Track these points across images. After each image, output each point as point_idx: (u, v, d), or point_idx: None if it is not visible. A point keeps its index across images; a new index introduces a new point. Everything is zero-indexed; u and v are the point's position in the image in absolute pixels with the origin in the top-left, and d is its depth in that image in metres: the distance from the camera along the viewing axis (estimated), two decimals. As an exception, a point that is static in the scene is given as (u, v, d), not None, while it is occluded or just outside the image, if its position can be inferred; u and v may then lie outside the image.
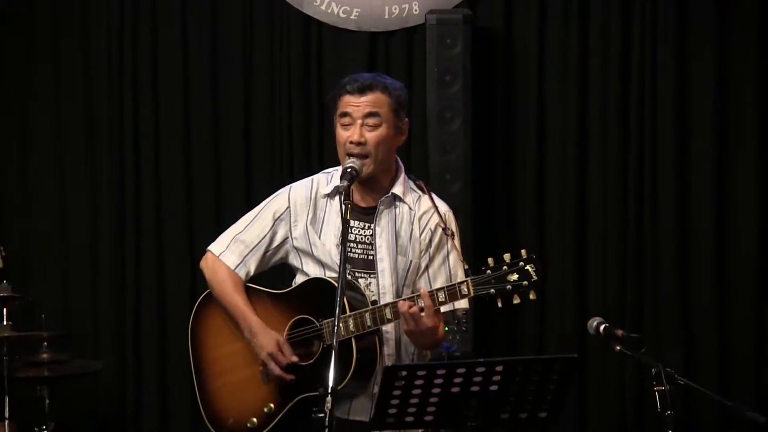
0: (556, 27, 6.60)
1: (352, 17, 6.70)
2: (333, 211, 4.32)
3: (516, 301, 3.98)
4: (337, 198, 4.25)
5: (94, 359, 6.50)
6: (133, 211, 6.88)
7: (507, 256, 3.98)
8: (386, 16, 6.69)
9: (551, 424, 3.88)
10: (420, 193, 4.35)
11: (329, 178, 4.38)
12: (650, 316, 6.46)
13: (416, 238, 4.29)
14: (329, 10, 6.71)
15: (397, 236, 4.28)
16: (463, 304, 4.20)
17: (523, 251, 3.98)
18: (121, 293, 6.88)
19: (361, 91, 4.23)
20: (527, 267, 3.96)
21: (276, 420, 4.27)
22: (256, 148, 6.85)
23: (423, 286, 4.26)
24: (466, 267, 4.13)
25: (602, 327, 4.38)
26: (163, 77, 6.90)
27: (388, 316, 4.10)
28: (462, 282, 4.03)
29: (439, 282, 4.27)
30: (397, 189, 4.30)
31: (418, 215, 4.30)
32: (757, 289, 6.39)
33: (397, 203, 4.30)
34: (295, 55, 6.77)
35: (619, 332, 4.33)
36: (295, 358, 4.23)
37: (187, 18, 6.88)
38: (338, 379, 3.98)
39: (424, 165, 6.43)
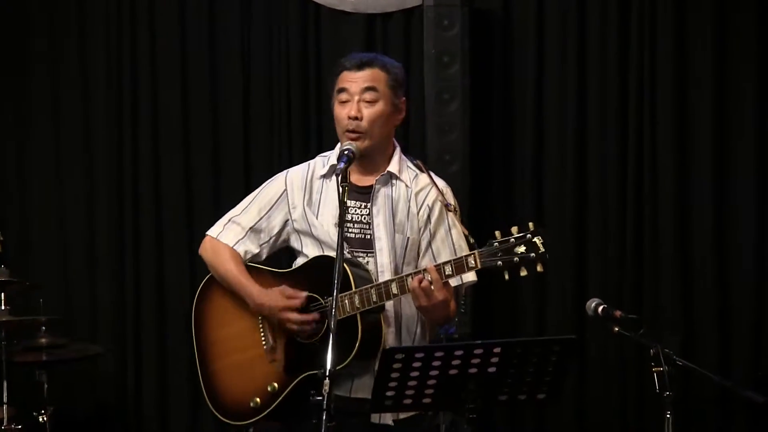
0: (554, 8, 6.58)
1: (350, -1, 6.70)
2: (330, 190, 4.32)
3: (523, 273, 3.97)
4: (333, 178, 4.29)
5: (92, 343, 6.49)
6: (132, 195, 6.87)
7: (515, 229, 3.99)
8: (384, -2, 6.69)
9: (550, 405, 3.89)
10: (417, 171, 4.35)
11: (325, 161, 4.38)
12: (649, 298, 6.46)
13: (414, 215, 4.29)
14: (326, -8, 6.71)
15: (394, 214, 4.27)
16: (471, 277, 4.21)
17: (530, 224, 3.98)
18: (119, 277, 6.87)
19: (359, 66, 4.25)
20: (534, 239, 3.96)
21: (279, 399, 4.26)
22: (255, 129, 6.84)
23: (428, 262, 4.26)
24: (472, 241, 4.13)
25: (601, 308, 4.38)
26: (160, 61, 6.88)
27: (394, 291, 4.09)
28: (469, 254, 4.03)
29: (444, 257, 4.26)
30: (393, 167, 4.30)
31: (414, 191, 4.30)
32: (756, 272, 6.38)
33: (394, 181, 4.30)
34: (293, 37, 6.76)
35: (618, 313, 4.33)
36: (304, 294, 4.22)
37: (185, 3, 6.87)
38: (342, 358, 4.00)
39: (422, 146, 6.42)
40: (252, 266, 4.41)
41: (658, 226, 6.45)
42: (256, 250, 4.42)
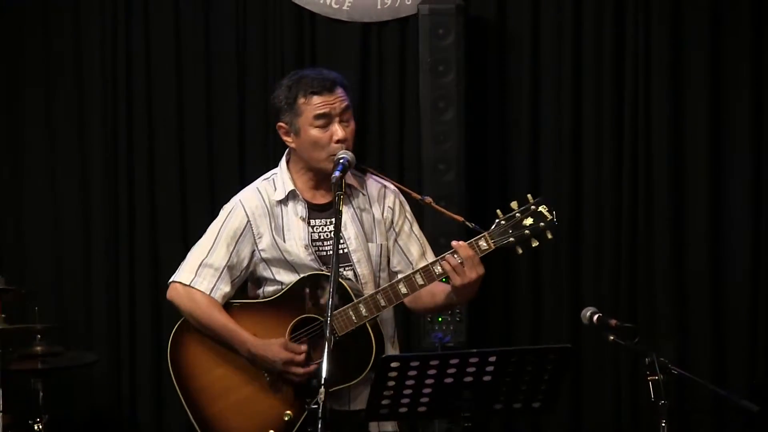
0: (549, 16, 6.59)
1: (345, 8, 6.70)
2: (290, 214, 4.26)
3: (535, 244, 3.98)
4: (290, 203, 4.25)
5: (87, 351, 6.49)
6: (127, 202, 6.87)
7: (514, 204, 4.00)
8: (378, 7, 6.68)
9: (545, 414, 3.88)
10: (361, 175, 4.33)
11: (274, 184, 4.32)
12: (644, 306, 6.46)
13: (379, 220, 4.28)
14: (322, 1, 6.70)
15: (362, 224, 4.26)
16: None
17: (529, 196, 4.00)
18: (114, 284, 6.87)
19: (330, 89, 4.18)
20: (540, 209, 3.97)
21: (298, 425, 4.18)
22: (250, 138, 6.84)
23: (398, 260, 4.28)
24: (472, 225, 4.09)
25: (596, 317, 4.38)
26: (156, 68, 6.89)
27: (404, 290, 4.07)
28: (479, 237, 4.01)
29: (414, 250, 4.28)
30: (347, 179, 4.24)
31: (374, 197, 4.30)
32: (751, 279, 6.39)
33: (349, 191, 4.27)
34: (288, 46, 6.76)
35: (613, 322, 4.33)
36: (304, 347, 4.16)
37: (180, 8, 6.87)
38: (357, 372, 4.05)
39: (418, 155, 6.43)
40: (235, 303, 4.31)
41: (654, 235, 6.46)
42: (230, 291, 4.31)
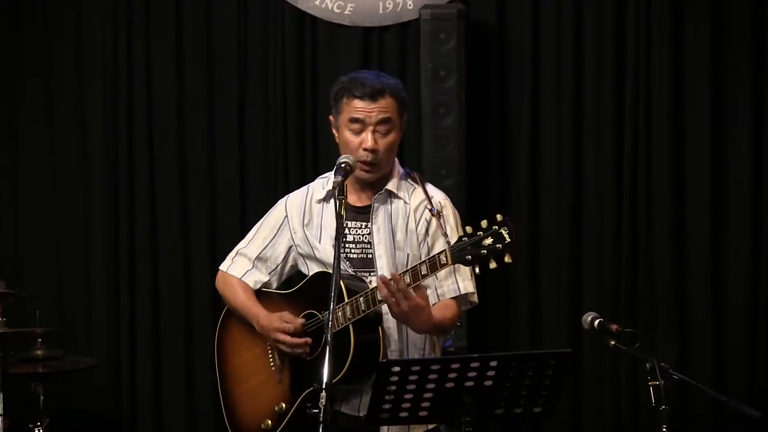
0: (550, 21, 6.59)
1: (346, 12, 6.70)
2: (328, 214, 4.33)
3: (492, 265, 3.92)
4: (331, 201, 4.29)
5: (88, 355, 6.48)
6: (127, 207, 6.87)
7: (484, 223, 3.96)
8: (380, 11, 6.68)
9: (546, 419, 3.88)
10: (415, 185, 4.36)
11: (325, 183, 4.41)
12: (645, 311, 6.46)
13: (412, 231, 4.29)
14: (323, 6, 6.71)
15: (394, 232, 4.28)
16: (470, 287, 4.25)
17: (498, 216, 3.96)
18: (115, 289, 6.86)
19: (372, 97, 4.22)
20: (501, 230, 3.92)
21: (287, 418, 4.29)
22: (251, 142, 6.84)
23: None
24: (447, 239, 4.09)
25: (597, 322, 4.39)
26: (157, 72, 6.88)
27: (380, 297, 4.09)
28: (441, 252, 4.01)
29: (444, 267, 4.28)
30: (391, 185, 4.31)
31: (413, 208, 4.31)
32: (751, 284, 6.39)
33: (392, 199, 4.31)
34: (290, 51, 6.75)
35: (614, 327, 4.34)
36: (302, 320, 4.25)
37: (182, 14, 6.87)
38: (334, 372, 4.00)
39: (418, 160, 6.42)
40: (261, 291, 4.48)
41: (654, 240, 6.46)
42: (266, 279, 4.49)
